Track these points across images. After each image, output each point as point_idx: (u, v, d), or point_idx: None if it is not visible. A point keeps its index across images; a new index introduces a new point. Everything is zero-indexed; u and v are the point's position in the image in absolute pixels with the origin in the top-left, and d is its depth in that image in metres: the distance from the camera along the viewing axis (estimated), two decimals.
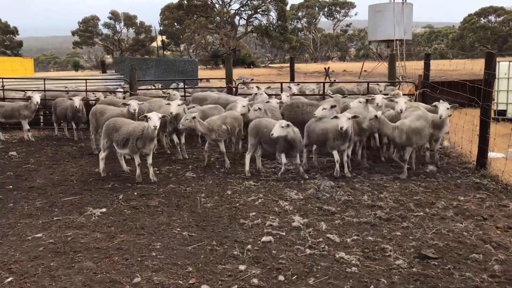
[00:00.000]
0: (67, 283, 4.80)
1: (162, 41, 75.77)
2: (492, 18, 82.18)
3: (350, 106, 9.76)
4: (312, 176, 8.69)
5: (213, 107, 10.93)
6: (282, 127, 8.20)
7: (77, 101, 11.94)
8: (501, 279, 4.79)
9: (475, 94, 9.48)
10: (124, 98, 14.39)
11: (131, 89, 14.73)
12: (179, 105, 9.78)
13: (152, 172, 8.57)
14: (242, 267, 5.10)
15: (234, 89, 14.59)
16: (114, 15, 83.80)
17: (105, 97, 13.89)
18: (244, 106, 10.07)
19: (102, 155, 8.98)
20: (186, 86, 16.26)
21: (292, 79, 17.91)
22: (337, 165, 8.62)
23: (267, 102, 10.78)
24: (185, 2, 69.46)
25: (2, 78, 16.03)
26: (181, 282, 4.80)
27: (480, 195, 7.55)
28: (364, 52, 64.60)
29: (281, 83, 14.14)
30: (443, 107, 8.94)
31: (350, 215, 6.68)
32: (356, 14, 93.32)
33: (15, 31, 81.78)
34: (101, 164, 8.99)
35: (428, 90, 12.51)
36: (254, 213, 6.78)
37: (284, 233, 6.04)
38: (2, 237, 6.07)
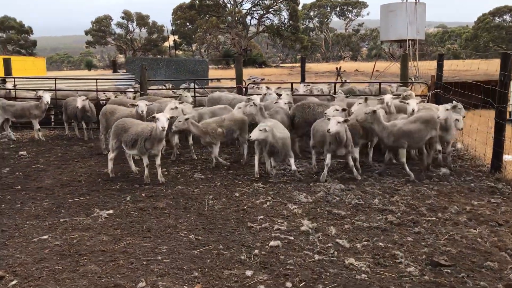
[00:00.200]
0: (71, 287, 4.73)
1: (174, 41, 75.99)
2: (507, 17, 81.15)
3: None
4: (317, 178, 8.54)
5: (223, 108, 10.82)
6: (260, 130, 8.04)
7: (79, 102, 11.91)
8: None
9: (490, 95, 9.27)
10: (134, 98, 14.39)
11: (141, 89, 14.70)
12: (172, 108, 9.70)
13: (161, 173, 8.50)
14: (249, 273, 4.99)
15: (244, 89, 14.50)
16: (127, 15, 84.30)
17: (115, 97, 13.87)
18: (240, 108, 9.94)
19: (111, 155, 8.93)
20: (196, 86, 16.20)
21: (302, 79, 17.76)
22: (326, 169, 8.44)
23: (276, 102, 10.65)
24: (197, 2, 69.62)
25: (14, 78, 16.12)
26: (186, 287, 4.70)
27: (494, 199, 7.35)
28: (376, 52, 64.13)
29: (292, 83, 14.02)
30: (442, 108, 8.84)
31: (360, 220, 6.54)
32: (368, 14, 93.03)
33: (29, 31, 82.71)
34: (110, 165, 8.94)
35: (441, 91, 12.29)
36: (262, 216, 6.67)
37: (292, 238, 5.92)
38: (8, 238, 6.03)
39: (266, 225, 6.33)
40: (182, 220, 6.61)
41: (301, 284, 4.76)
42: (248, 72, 49.68)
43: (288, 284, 4.75)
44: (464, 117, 9.98)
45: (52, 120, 15.26)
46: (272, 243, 5.72)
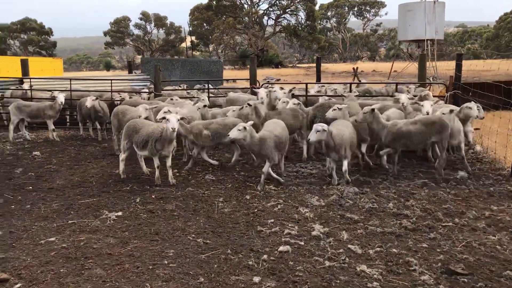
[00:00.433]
0: None
1: (192, 41, 76.25)
2: None
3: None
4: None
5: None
6: (239, 130, 7.84)
7: (89, 102, 11.92)
8: None
9: (511, 96, 8.97)
10: (149, 98, 14.36)
11: (155, 90, 14.67)
12: (147, 109, 9.58)
13: (171, 175, 8.41)
14: (256, 279, 4.84)
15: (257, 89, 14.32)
16: (145, 16, 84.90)
17: (130, 97, 13.86)
18: (234, 111, 9.81)
19: (122, 156, 8.87)
20: (210, 87, 16.12)
21: (318, 80, 17.54)
22: (332, 172, 8.25)
23: (284, 102, 10.47)
24: (214, 2, 69.76)
25: (30, 78, 16.24)
26: None
27: None
28: (394, 52, 63.37)
29: (306, 83, 13.80)
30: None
31: (374, 224, 6.34)
32: (386, 14, 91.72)
33: (49, 32, 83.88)
34: (121, 166, 8.88)
35: (460, 92, 11.97)
36: (272, 220, 6.52)
37: (302, 243, 5.76)
38: (16, 240, 5.99)
39: (276, 229, 6.18)
40: (191, 223, 6.50)
41: None
42: (265, 73, 49.57)
43: None
44: (483, 118, 9.70)
45: (68, 120, 15.33)
46: (281, 248, 5.57)
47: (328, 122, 9.01)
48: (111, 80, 15.38)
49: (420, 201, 7.23)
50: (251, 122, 8.26)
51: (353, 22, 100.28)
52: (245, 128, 7.82)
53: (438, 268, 5.07)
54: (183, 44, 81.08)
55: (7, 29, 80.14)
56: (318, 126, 7.87)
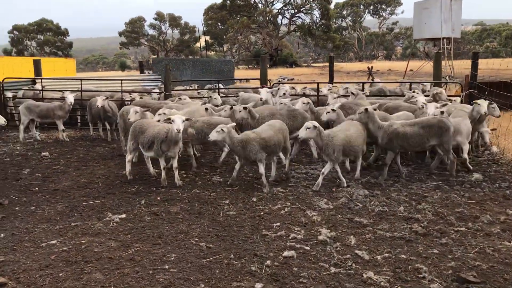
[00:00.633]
0: None
1: (206, 41, 76.35)
2: None
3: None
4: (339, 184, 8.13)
5: None
6: (218, 132, 7.74)
7: (99, 102, 11.87)
8: None
9: None
10: (159, 99, 14.30)
11: (165, 90, 14.60)
12: (137, 112, 9.44)
13: (178, 176, 8.29)
14: (258, 286, 4.68)
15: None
16: (160, 16, 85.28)
17: (140, 97, 13.82)
18: (226, 111, 9.65)
19: (128, 157, 8.79)
20: (220, 87, 16.01)
21: (331, 79, 17.29)
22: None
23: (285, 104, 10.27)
24: (228, 2, 69.74)
25: (41, 79, 16.31)
26: None
27: None
28: (410, 51, 62.61)
29: (318, 83, 13.60)
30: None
31: (383, 229, 6.13)
32: (402, 12, 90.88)
33: (65, 33, 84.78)
34: (128, 167, 8.79)
35: (476, 92, 11.64)
36: (278, 224, 6.34)
37: (308, 248, 5.58)
38: (18, 242, 5.92)
39: (282, 233, 6.01)
40: (195, 226, 6.36)
41: None
42: (279, 72, 49.42)
43: None
44: (499, 116, 9.41)
45: (79, 120, 15.34)
46: (286, 253, 5.40)
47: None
48: (122, 80, 15.35)
49: (432, 205, 6.99)
50: (232, 124, 8.17)
51: (369, 20, 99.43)
52: (223, 130, 7.73)
53: (448, 275, 4.85)
54: (198, 44, 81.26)
55: (24, 30, 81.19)
56: (309, 123, 7.78)
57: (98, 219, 6.67)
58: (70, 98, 12.25)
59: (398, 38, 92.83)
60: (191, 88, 17.25)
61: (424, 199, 7.28)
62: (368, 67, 37.69)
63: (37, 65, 17.62)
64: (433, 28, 30.58)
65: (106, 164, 10.03)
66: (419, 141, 8.18)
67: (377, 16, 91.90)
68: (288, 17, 71.52)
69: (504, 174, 8.62)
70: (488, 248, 5.48)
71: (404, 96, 11.79)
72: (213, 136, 7.78)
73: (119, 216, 6.70)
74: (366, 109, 8.39)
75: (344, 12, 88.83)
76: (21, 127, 12.59)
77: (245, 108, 9.37)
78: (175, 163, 8.22)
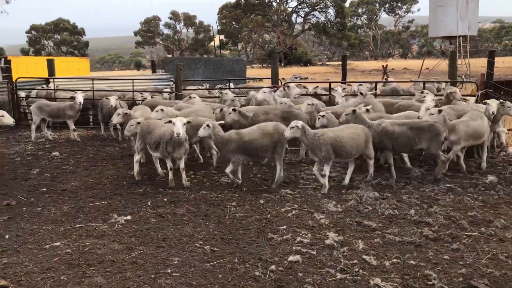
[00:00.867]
0: None
1: (220, 40, 76.37)
2: None
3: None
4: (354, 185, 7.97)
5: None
6: (204, 128, 7.93)
7: (113, 101, 11.87)
8: None
9: None
10: (170, 98, 14.25)
11: (176, 89, 14.55)
12: (119, 114, 9.71)
13: (185, 177, 8.20)
14: None
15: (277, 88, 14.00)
16: (175, 15, 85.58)
17: (152, 97, 13.79)
18: (216, 114, 9.61)
19: (136, 157, 8.75)
20: (232, 86, 15.91)
21: (344, 78, 17.07)
22: (324, 180, 7.80)
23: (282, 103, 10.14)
24: (243, 0, 69.61)
25: (54, 78, 16.39)
26: None
27: None
28: (426, 49, 61.81)
29: (330, 82, 13.42)
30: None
31: (393, 233, 5.96)
32: (418, 10, 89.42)
33: (82, 32, 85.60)
34: (136, 167, 8.75)
35: (492, 91, 11.34)
36: (285, 227, 6.22)
37: (314, 252, 5.44)
38: (22, 244, 5.89)
39: (288, 237, 5.88)
40: (200, 228, 6.27)
41: None
42: (293, 71, 49.22)
43: None
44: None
45: (91, 120, 15.39)
46: (291, 258, 5.27)
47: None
48: (133, 80, 15.35)
49: (444, 208, 6.79)
50: (221, 122, 8.38)
51: (385, 18, 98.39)
52: (208, 126, 7.91)
53: (459, 283, 4.68)
54: (212, 43, 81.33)
55: (42, 29, 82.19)
56: (293, 122, 7.69)
57: (103, 221, 6.61)
58: (80, 97, 12.26)
59: (414, 36, 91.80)
60: (202, 87, 17.19)
61: (436, 202, 7.09)
62: (382, 66, 37.22)
63: (50, 65, 17.74)
64: (449, 26, 30.09)
65: (115, 164, 10.01)
66: (407, 142, 7.98)
67: (392, 14, 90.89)
68: (303, 15, 71.20)
69: None
70: (502, 254, 5.28)
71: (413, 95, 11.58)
72: (200, 132, 7.99)
73: (125, 218, 6.64)
74: (354, 110, 8.27)
75: (360, 10, 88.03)
76: (33, 127, 12.65)
77: (234, 110, 9.30)
78: (182, 164, 8.14)
